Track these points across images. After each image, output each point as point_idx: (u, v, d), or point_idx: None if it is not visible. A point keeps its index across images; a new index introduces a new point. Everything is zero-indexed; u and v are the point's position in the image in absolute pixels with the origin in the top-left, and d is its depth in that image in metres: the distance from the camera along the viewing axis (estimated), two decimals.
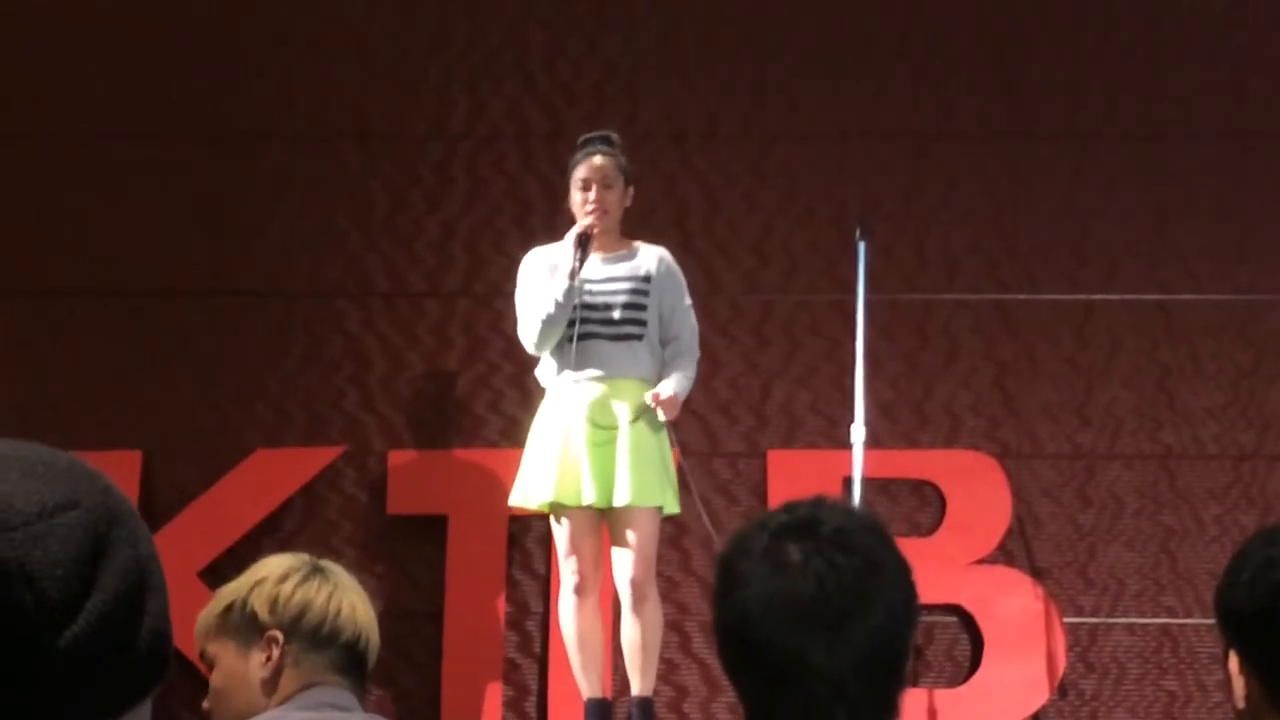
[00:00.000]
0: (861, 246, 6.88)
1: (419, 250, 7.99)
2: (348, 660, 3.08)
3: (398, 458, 7.79)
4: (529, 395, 7.71)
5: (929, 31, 8.02)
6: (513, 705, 7.65)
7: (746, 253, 7.95)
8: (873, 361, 6.98)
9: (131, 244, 7.94)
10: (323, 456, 7.79)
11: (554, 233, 6.73)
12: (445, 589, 7.65)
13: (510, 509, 6.71)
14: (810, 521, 2.14)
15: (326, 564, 3.17)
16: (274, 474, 7.75)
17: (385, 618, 7.50)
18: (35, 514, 1.42)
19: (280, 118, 8.03)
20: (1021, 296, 7.89)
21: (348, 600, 3.10)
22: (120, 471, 7.45)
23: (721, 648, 2.15)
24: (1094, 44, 8.00)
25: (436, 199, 8.00)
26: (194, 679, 7.13)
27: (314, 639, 3.08)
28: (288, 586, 3.12)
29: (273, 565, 3.18)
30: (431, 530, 7.68)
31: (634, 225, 7.21)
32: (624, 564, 6.19)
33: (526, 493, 6.31)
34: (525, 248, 6.75)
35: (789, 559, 2.11)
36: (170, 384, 7.83)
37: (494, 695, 7.57)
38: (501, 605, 7.65)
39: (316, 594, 3.11)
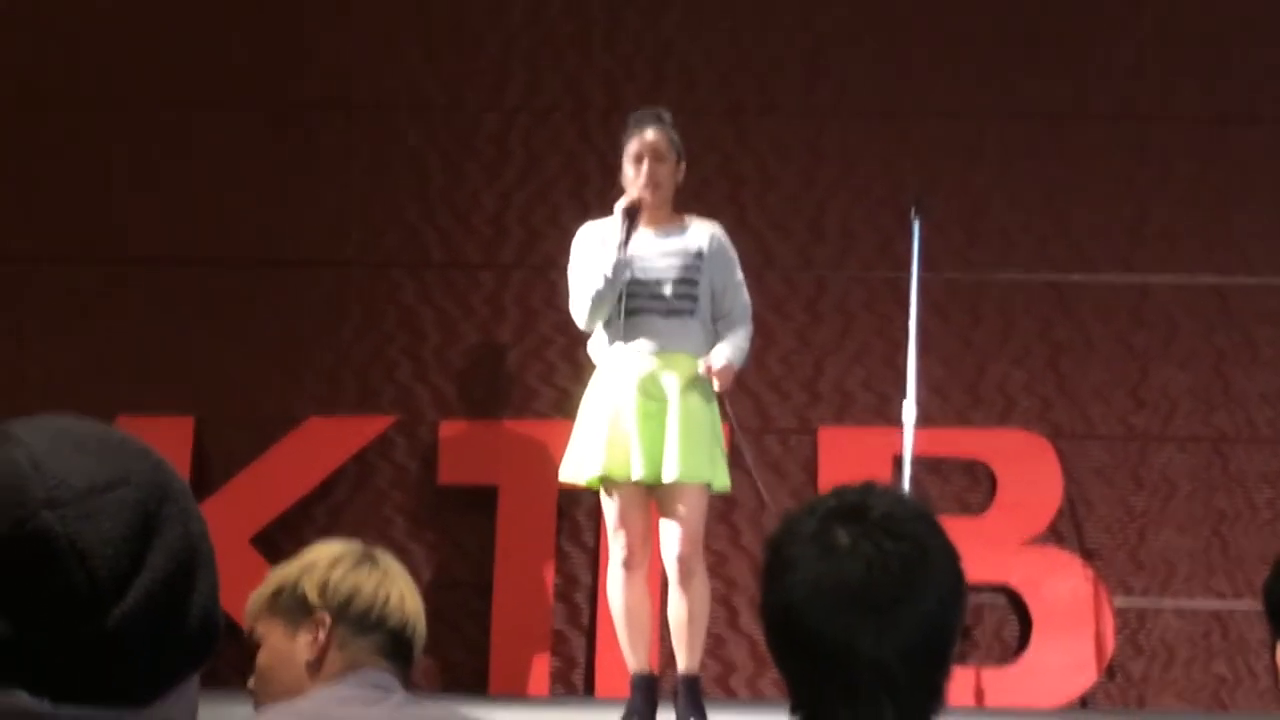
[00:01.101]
0: (916, 224, 6.86)
1: (475, 222, 8.00)
2: (393, 646, 3.12)
3: (449, 428, 7.81)
4: (581, 368, 7.72)
5: (989, 10, 7.98)
6: (560, 676, 7.67)
7: (801, 229, 7.93)
8: (925, 339, 6.96)
9: (188, 212, 7.97)
10: (375, 425, 7.82)
11: (609, 207, 6.72)
12: (494, 560, 7.67)
13: (559, 483, 6.72)
14: (859, 506, 2.13)
15: (378, 552, 3.22)
16: (326, 442, 7.78)
17: (434, 588, 7.58)
18: (86, 490, 1.43)
19: (338, 89, 8.04)
20: (1076, 277, 7.86)
21: (396, 588, 3.16)
22: (173, 437, 7.49)
23: (768, 631, 2.15)
24: (1153, 26, 7.96)
25: (493, 171, 8.01)
26: (243, 644, 7.18)
27: (361, 623, 3.13)
28: (339, 571, 3.17)
29: (325, 550, 3.23)
30: (482, 501, 7.70)
31: (688, 200, 7.20)
32: (671, 540, 6.18)
33: (576, 467, 6.30)
34: (581, 221, 6.75)
35: (837, 543, 2.10)
36: (224, 351, 7.86)
37: (541, 666, 7.59)
38: (550, 577, 7.67)
39: (366, 580, 3.16)
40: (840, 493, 2.18)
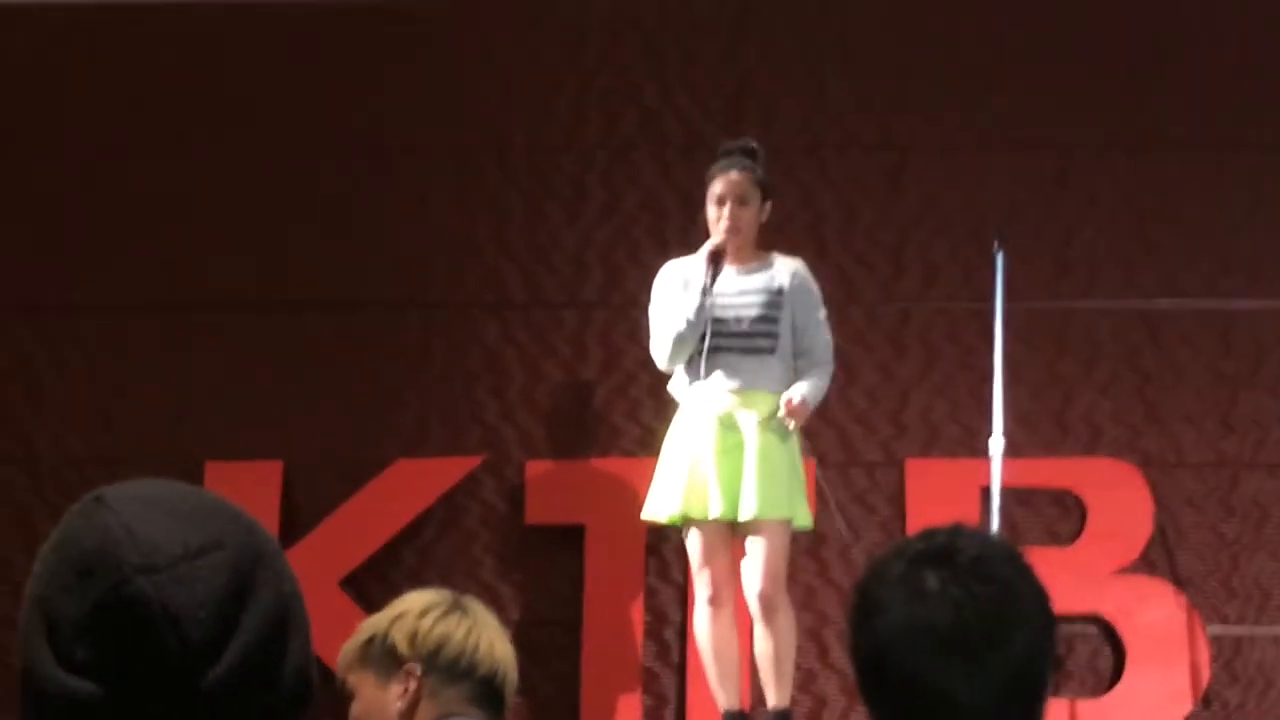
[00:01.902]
0: (1000, 255, 6.84)
1: (555, 261, 8.02)
2: (484, 694, 3.13)
3: (535, 467, 7.83)
4: (665, 405, 7.72)
5: (1070, 41, 7.95)
6: (651, 715, 7.66)
7: (884, 261, 7.91)
8: (1011, 370, 6.93)
9: (272, 256, 8.02)
10: (461, 466, 7.83)
11: (689, 244, 6.74)
12: (583, 598, 7.67)
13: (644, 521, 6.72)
14: (948, 549, 2.13)
15: (467, 600, 3.22)
16: (413, 484, 7.80)
17: (523, 626, 7.59)
18: (180, 555, 1.44)
19: (418, 131, 8.08)
20: (1163, 304, 7.81)
21: (486, 636, 3.16)
22: (262, 482, 7.53)
23: (859, 674, 2.15)
24: (1233, 56, 7.90)
25: (573, 210, 8.03)
26: (336, 693, 7.20)
27: (451, 672, 3.13)
28: (427, 621, 3.18)
29: (414, 600, 3.25)
30: (569, 539, 7.70)
31: (770, 235, 7.20)
32: (752, 578, 6.18)
33: (657, 506, 6.32)
34: (661, 258, 6.76)
35: (926, 587, 2.10)
36: (311, 395, 7.90)
37: (632, 705, 7.58)
38: (639, 614, 7.66)
39: (456, 629, 3.17)
40: (928, 535, 2.17)
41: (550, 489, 7.80)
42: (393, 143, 8.07)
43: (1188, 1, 7.97)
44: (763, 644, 6.21)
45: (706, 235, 6.50)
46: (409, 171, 8.06)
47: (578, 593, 7.69)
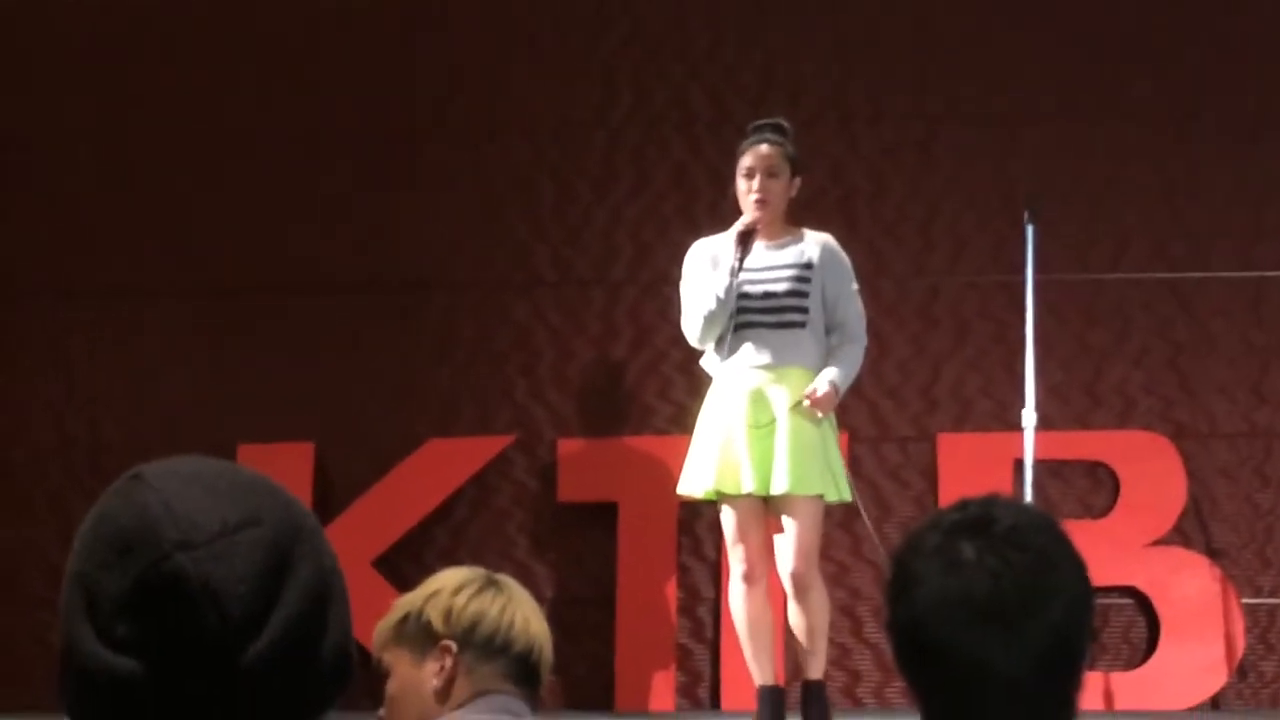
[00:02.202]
0: (1030, 228, 6.82)
1: (585, 239, 8.02)
2: (520, 670, 3.13)
3: (567, 446, 7.83)
4: (697, 381, 7.71)
5: (1097, 12, 7.92)
6: (685, 691, 7.67)
7: (914, 235, 7.90)
8: (1043, 343, 6.91)
9: (301, 242, 8.03)
10: (493, 445, 7.85)
11: (719, 220, 6.72)
12: (616, 575, 7.69)
13: (678, 497, 6.72)
14: (983, 519, 2.12)
15: (501, 577, 3.23)
16: (445, 463, 7.82)
17: (557, 604, 7.60)
18: (218, 531, 1.44)
19: (447, 109, 8.09)
20: (1194, 275, 7.79)
21: (520, 613, 3.16)
22: (294, 464, 7.55)
23: (896, 646, 2.14)
24: (1266, 25, 7.86)
25: (602, 188, 8.03)
26: (372, 672, 7.22)
27: (487, 649, 3.14)
28: (462, 598, 3.19)
29: (448, 577, 3.25)
30: (602, 517, 7.71)
31: (800, 209, 7.18)
32: (785, 553, 6.18)
33: (691, 481, 6.32)
34: (691, 235, 6.75)
35: (963, 557, 2.09)
36: (342, 377, 7.92)
37: (667, 681, 7.59)
38: (673, 591, 7.67)
39: (490, 606, 3.17)
40: (964, 505, 2.16)
41: (582, 467, 7.80)
42: (422, 122, 8.08)
43: None
44: (797, 619, 6.22)
45: (736, 210, 6.49)
46: (438, 150, 8.07)
47: (611, 570, 7.70)
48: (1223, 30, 7.88)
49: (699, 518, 7.62)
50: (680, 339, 7.01)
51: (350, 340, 7.97)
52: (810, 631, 6.21)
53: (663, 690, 7.59)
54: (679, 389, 7.75)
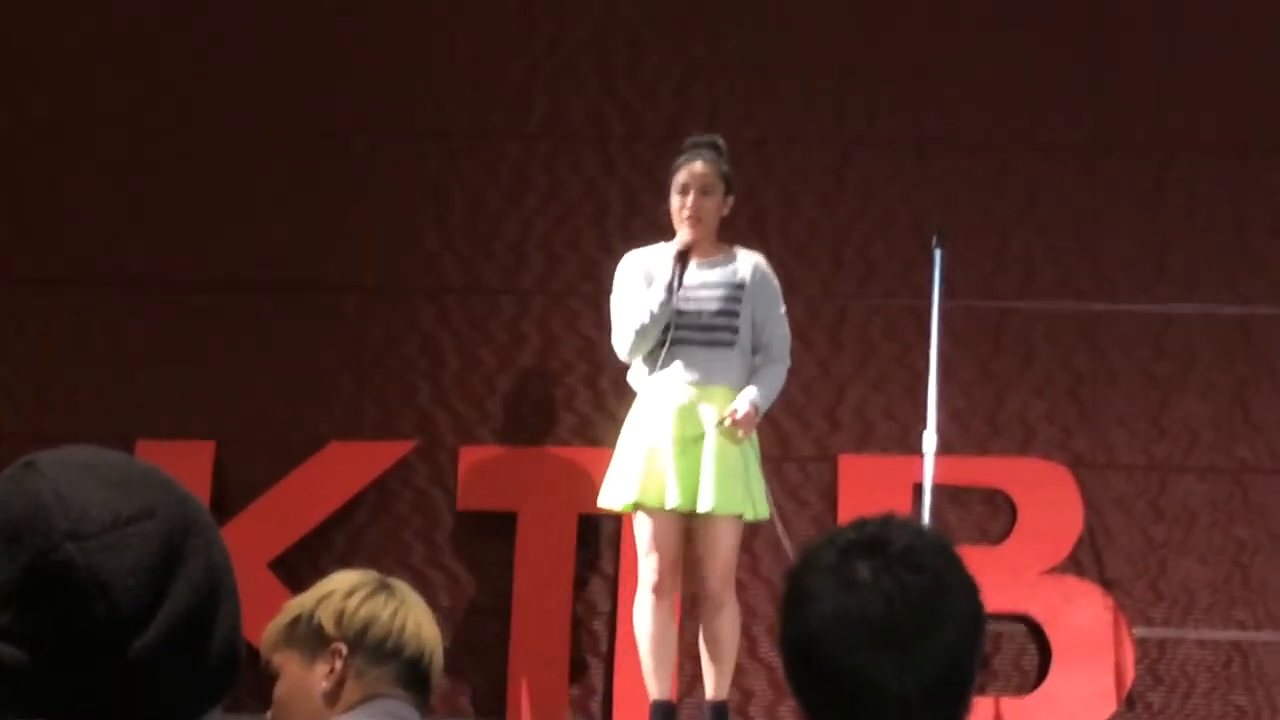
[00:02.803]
0: (938, 253, 6.86)
1: (495, 248, 8.00)
2: (410, 675, 3.12)
3: (469, 454, 7.81)
4: (601, 394, 7.73)
5: (1011, 42, 7.97)
6: (579, 704, 7.66)
7: (823, 256, 7.93)
8: (946, 368, 6.96)
9: (208, 235, 7.98)
10: (395, 451, 7.82)
11: (630, 235, 6.74)
12: (514, 586, 7.67)
13: (597, 508, 6.72)
14: (880, 539, 2.13)
15: (394, 582, 3.22)
16: (346, 467, 7.78)
17: (453, 613, 7.58)
18: (110, 523, 1.43)
19: (361, 115, 8.06)
20: (1099, 306, 7.85)
21: (413, 617, 3.16)
22: (193, 462, 7.50)
23: (787, 663, 2.15)
24: (1176, 57, 7.94)
25: (514, 198, 8.01)
26: (261, 674, 7.17)
27: (377, 653, 3.12)
28: (354, 601, 3.17)
29: (340, 580, 3.24)
30: (501, 527, 7.70)
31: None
32: (704, 571, 6.22)
33: (613, 494, 6.34)
34: (602, 248, 6.76)
35: (858, 576, 2.10)
36: (244, 375, 7.87)
37: (560, 694, 7.58)
38: (569, 603, 7.66)
39: (382, 609, 3.16)
40: (860, 525, 2.18)
41: (483, 476, 7.78)
42: (336, 125, 8.04)
43: (1136, 4, 8.00)
44: (710, 636, 6.24)
45: (647, 227, 6.52)
46: (351, 153, 8.03)
47: (508, 581, 7.68)
48: (1135, 66, 7.95)
49: (598, 532, 7.62)
50: (586, 351, 7.03)
51: (255, 339, 7.93)
52: (721, 650, 6.24)
53: (556, 703, 7.58)
54: (583, 401, 7.75)
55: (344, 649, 3.12)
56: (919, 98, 7.93)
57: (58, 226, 7.99)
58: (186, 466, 7.31)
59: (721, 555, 6.20)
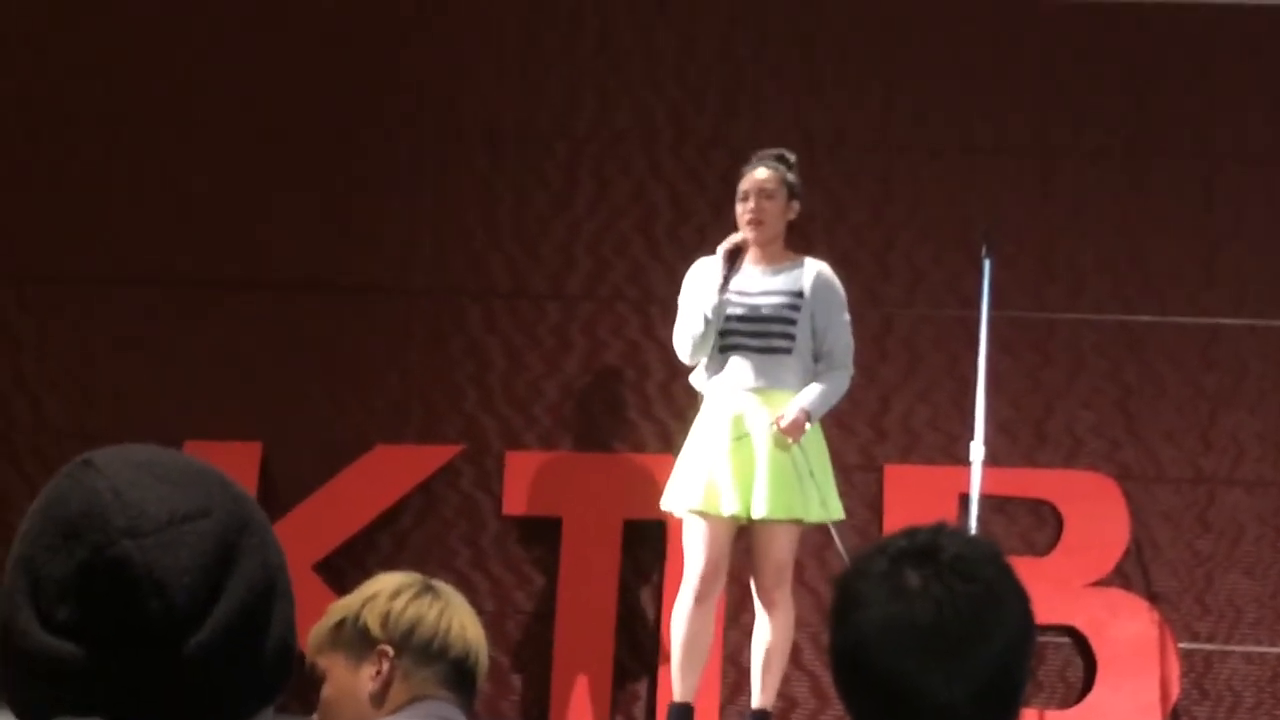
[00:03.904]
0: (987, 263, 6.84)
1: (543, 252, 8.01)
2: (456, 676, 3.13)
3: (515, 459, 7.82)
4: (648, 400, 7.73)
5: (1062, 50, 7.95)
6: (622, 709, 7.66)
7: (870, 264, 7.91)
8: (994, 378, 6.94)
9: (258, 238, 8.01)
10: (441, 455, 7.83)
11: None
12: (558, 591, 7.67)
13: (650, 512, 6.74)
14: (931, 547, 2.13)
15: (438, 583, 3.24)
16: (392, 470, 7.80)
17: (497, 617, 7.58)
18: (167, 521, 1.44)
19: (410, 116, 8.07)
20: (1147, 318, 7.82)
21: (458, 619, 3.17)
22: (240, 463, 7.52)
23: (836, 670, 2.14)
24: (1227, 67, 7.91)
25: (562, 201, 8.02)
26: (306, 677, 7.18)
27: (424, 654, 3.13)
28: (400, 603, 3.18)
29: (385, 582, 3.25)
30: (546, 532, 7.70)
31: None
32: (761, 575, 6.27)
33: (676, 497, 6.40)
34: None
35: (908, 584, 2.09)
36: (292, 377, 7.89)
37: (603, 698, 7.58)
38: (613, 608, 7.66)
39: (428, 611, 3.17)
40: (911, 533, 2.17)
41: (529, 480, 7.79)
42: (384, 125, 8.06)
43: (1184, 12, 7.96)
44: (761, 640, 6.28)
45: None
46: (398, 155, 8.05)
47: (552, 585, 7.69)
48: (1187, 75, 7.92)
49: (642, 537, 7.61)
50: (633, 356, 7.04)
51: (303, 341, 7.95)
52: (771, 654, 6.27)
53: (598, 707, 7.58)
54: (630, 406, 7.75)
55: (390, 650, 3.13)
56: (967, 104, 7.91)
57: (106, 226, 8.03)
58: (233, 467, 7.28)
59: (774, 560, 6.25)
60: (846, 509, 7.73)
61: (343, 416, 7.88)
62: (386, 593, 3.21)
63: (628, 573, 7.70)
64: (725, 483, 6.20)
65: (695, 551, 6.30)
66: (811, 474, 6.27)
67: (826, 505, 6.33)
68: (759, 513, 6.18)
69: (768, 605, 6.26)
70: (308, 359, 7.93)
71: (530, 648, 7.67)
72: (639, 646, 7.67)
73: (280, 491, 7.75)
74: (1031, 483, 7.70)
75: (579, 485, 7.67)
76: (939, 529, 2.16)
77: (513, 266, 8.00)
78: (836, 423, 7.77)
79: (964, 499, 6.82)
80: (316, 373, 7.91)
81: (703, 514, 6.27)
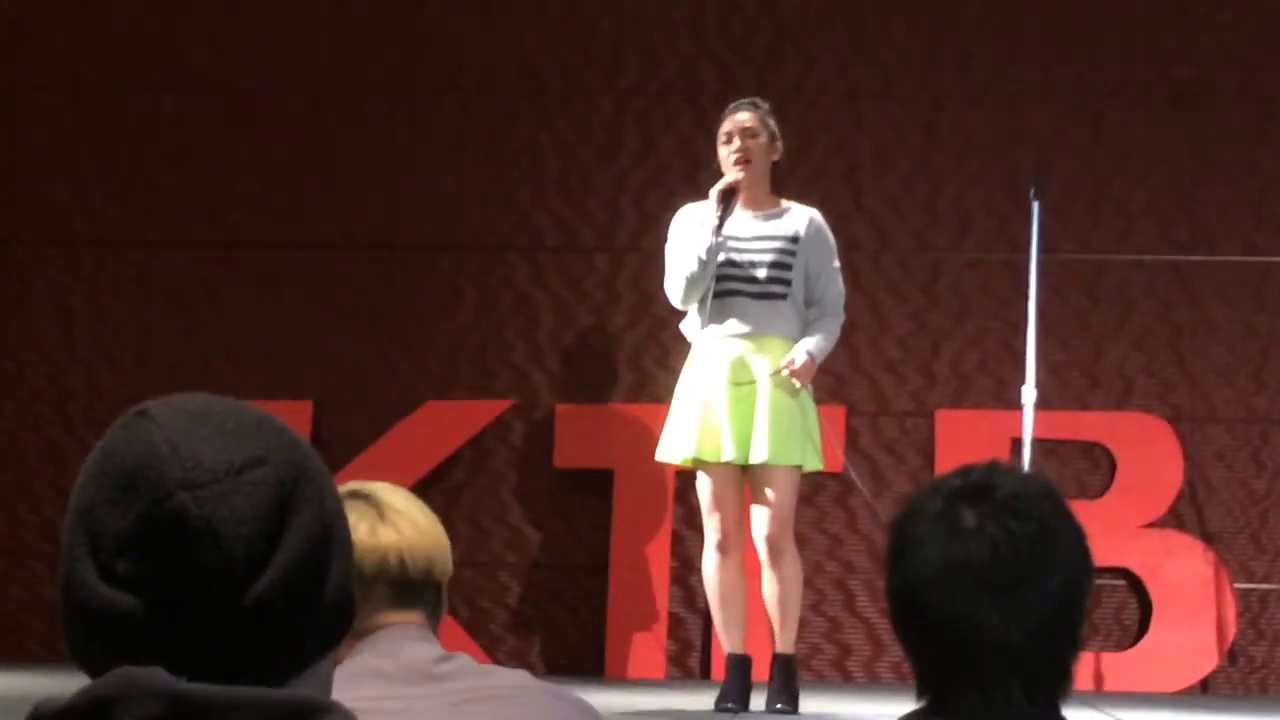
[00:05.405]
0: (1035, 205, 6.81)
1: (589, 206, 8.01)
2: (398, 593, 2.55)
3: (565, 412, 7.83)
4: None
5: None
6: (676, 660, 7.68)
7: (918, 211, 7.89)
8: (1043, 322, 6.91)
9: (307, 198, 8.03)
10: (491, 409, 7.85)
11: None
12: (610, 543, 7.69)
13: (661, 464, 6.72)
14: (985, 486, 2.12)
15: (370, 486, 2.64)
16: (443, 426, 7.82)
17: (550, 571, 7.61)
18: (223, 471, 1.44)
19: (454, 73, 8.07)
20: (1197, 258, 7.78)
21: (366, 524, 2.56)
22: (291, 421, 7.38)
23: (893, 612, 2.13)
24: (1276, 7, 7.84)
25: (607, 155, 8.01)
26: None
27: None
28: None
29: None
30: (597, 484, 7.72)
31: (804, 182, 7.19)
32: (761, 521, 6.21)
33: (670, 448, 6.34)
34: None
35: (964, 523, 2.08)
36: (342, 336, 7.92)
37: (657, 649, 7.60)
38: (666, 559, 7.68)
39: (355, 523, 2.38)
40: (965, 472, 2.16)
41: (579, 433, 7.81)
42: (428, 83, 8.06)
43: None
44: (769, 588, 6.23)
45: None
46: (444, 112, 8.05)
47: (605, 538, 7.70)
48: (1233, 14, 7.86)
49: (693, 487, 7.61)
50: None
51: (351, 299, 7.97)
52: (782, 601, 6.22)
53: (653, 659, 7.60)
54: (678, 357, 7.72)
55: None
56: (1011, 49, 7.88)
57: (153, 190, 8.05)
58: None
59: (779, 505, 6.19)
60: (899, 455, 7.75)
61: (393, 374, 7.91)
62: None
63: (680, 523, 7.71)
64: (724, 429, 6.16)
65: (709, 508, 6.28)
66: (804, 421, 6.24)
67: (816, 456, 6.29)
68: (760, 457, 6.12)
69: (774, 554, 6.20)
70: (356, 318, 7.95)
71: (585, 600, 7.69)
72: (692, 597, 7.68)
73: (332, 449, 7.76)
74: (1084, 426, 7.68)
75: (629, 437, 7.67)
76: (993, 467, 2.15)
77: (559, 221, 8.00)
78: (887, 369, 7.76)
79: (1016, 443, 6.80)
80: (366, 331, 7.94)
81: (702, 463, 6.23)
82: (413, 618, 2.56)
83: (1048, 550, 2.09)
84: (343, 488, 2.51)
